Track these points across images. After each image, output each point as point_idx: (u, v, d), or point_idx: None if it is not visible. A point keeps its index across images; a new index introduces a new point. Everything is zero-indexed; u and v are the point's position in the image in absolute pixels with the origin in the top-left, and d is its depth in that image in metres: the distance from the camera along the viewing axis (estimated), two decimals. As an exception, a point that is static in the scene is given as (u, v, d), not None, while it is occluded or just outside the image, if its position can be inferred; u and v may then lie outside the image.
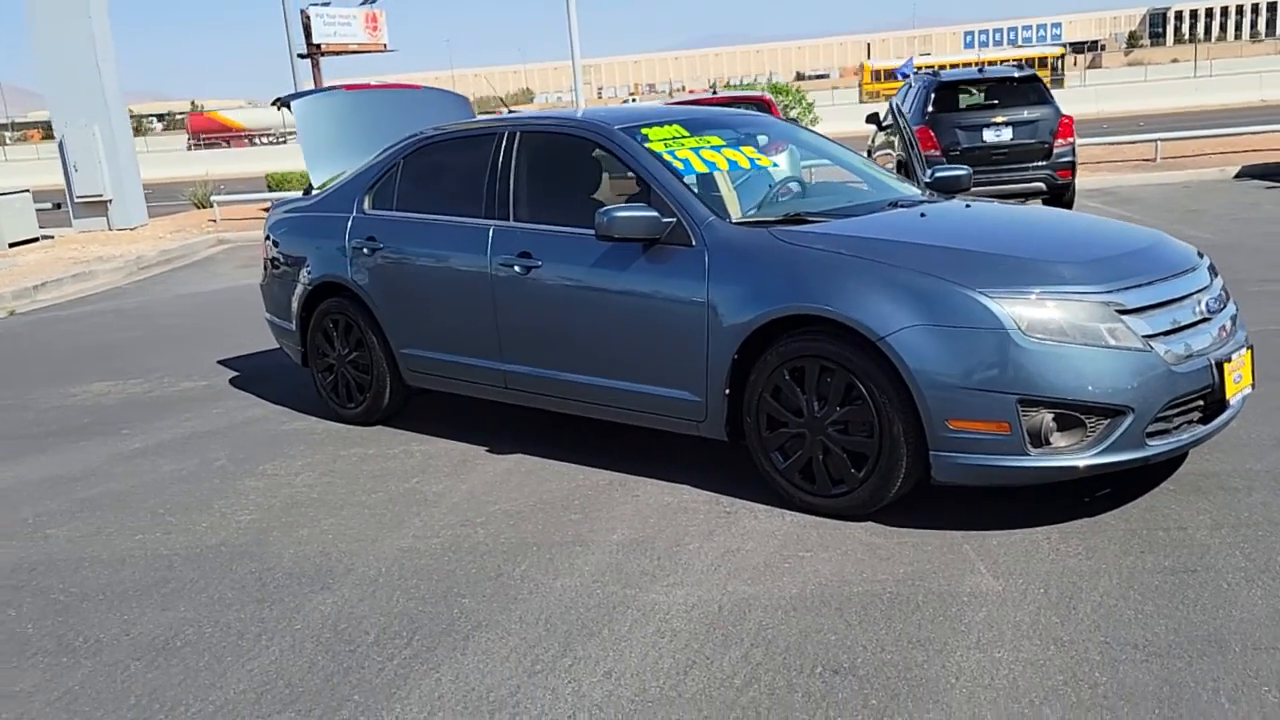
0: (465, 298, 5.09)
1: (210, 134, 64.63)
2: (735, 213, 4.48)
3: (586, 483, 4.64)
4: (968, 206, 4.83)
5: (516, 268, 4.84)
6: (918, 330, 3.70)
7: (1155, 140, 17.38)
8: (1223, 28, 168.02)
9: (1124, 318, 3.68)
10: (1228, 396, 3.87)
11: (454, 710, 2.90)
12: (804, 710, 2.78)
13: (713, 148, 4.82)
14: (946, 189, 5.28)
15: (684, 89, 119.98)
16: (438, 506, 4.49)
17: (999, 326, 3.62)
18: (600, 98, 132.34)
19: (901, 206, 4.71)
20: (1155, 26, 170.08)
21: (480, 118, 5.57)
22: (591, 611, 3.43)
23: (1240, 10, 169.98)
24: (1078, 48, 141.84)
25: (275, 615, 3.57)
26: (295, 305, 5.99)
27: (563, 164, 5.13)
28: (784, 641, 3.15)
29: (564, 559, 3.86)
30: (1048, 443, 3.65)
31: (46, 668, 3.31)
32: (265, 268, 6.41)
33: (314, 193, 6.21)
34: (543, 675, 3.06)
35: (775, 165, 5.02)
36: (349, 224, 5.67)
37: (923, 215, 4.53)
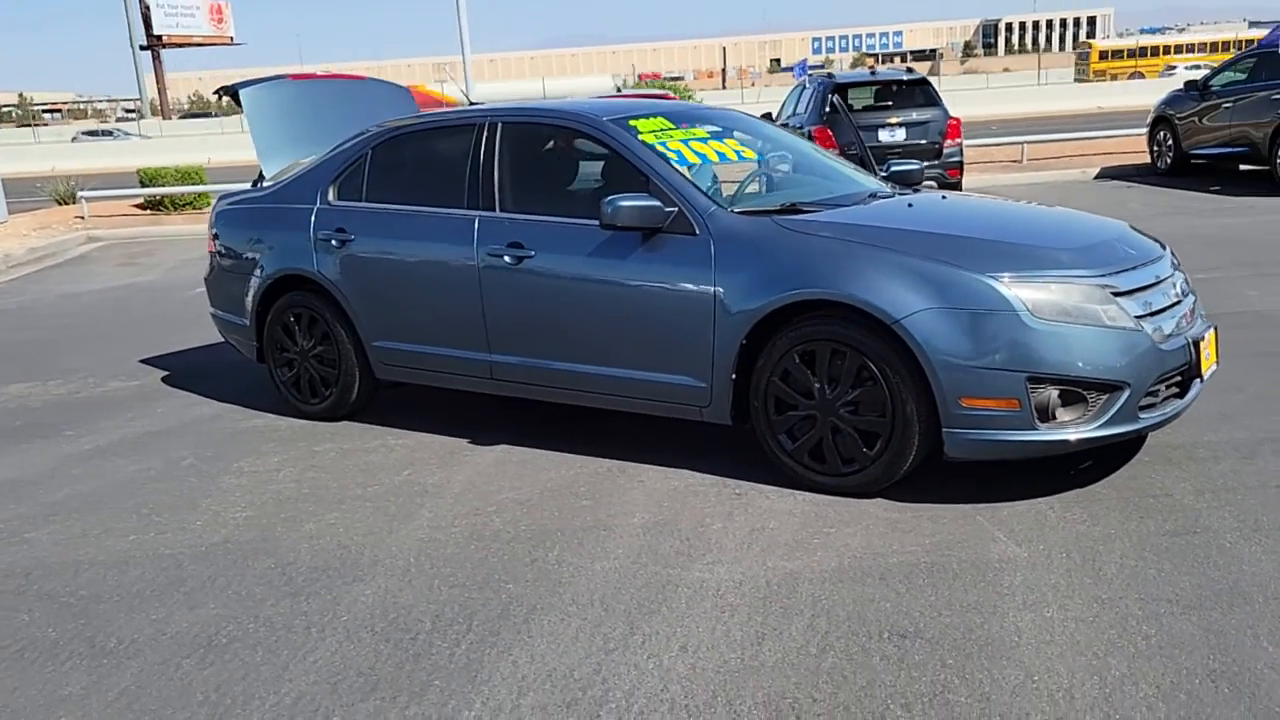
0: (447, 289, 5.06)
1: (427, 109, 64.99)
2: (731, 203, 4.59)
3: (585, 470, 4.68)
4: (943, 198, 5.07)
5: (507, 258, 4.84)
6: (931, 313, 3.88)
7: (1021, 143, 18.30)
8: (1048, 39, 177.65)
9: (1117, 300, 3.95)
10: (1202, 372, 4.19)
11: (542, 689, 2.93)
12: (886, 672, 2.92)
13: (699, 139, 4.93)
14: (903, 182, 5.53)
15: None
16: (441, 497, 4.47)
17: (1009, 309, 3.84)
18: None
19: (880, 198, 4.91)
20: (988, 37, 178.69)
21: (454, 109, 5.53)
22: (642, 591, 3.49)
23: (1064, 23, 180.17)
24: (917, 55, 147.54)
25: (316, 608, 3.51)
26: (250, 300, 5.83)
27: (551, 155, 5.15)
28: (842, 611, 3.28)
29: (593, 543, 3.90)
30: (1054, 417, 3.88)
31: (89, 670, 3.18)
32: (212, 261, 6.21)
33: (265, 184, 6.05)
34: (619, 653, 3.10)
35: (761, 158, 5.16)
36: (313, 215, 5.55)
37: (910, 205, 4.74)
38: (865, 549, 3.71)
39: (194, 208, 17.57)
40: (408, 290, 5.21)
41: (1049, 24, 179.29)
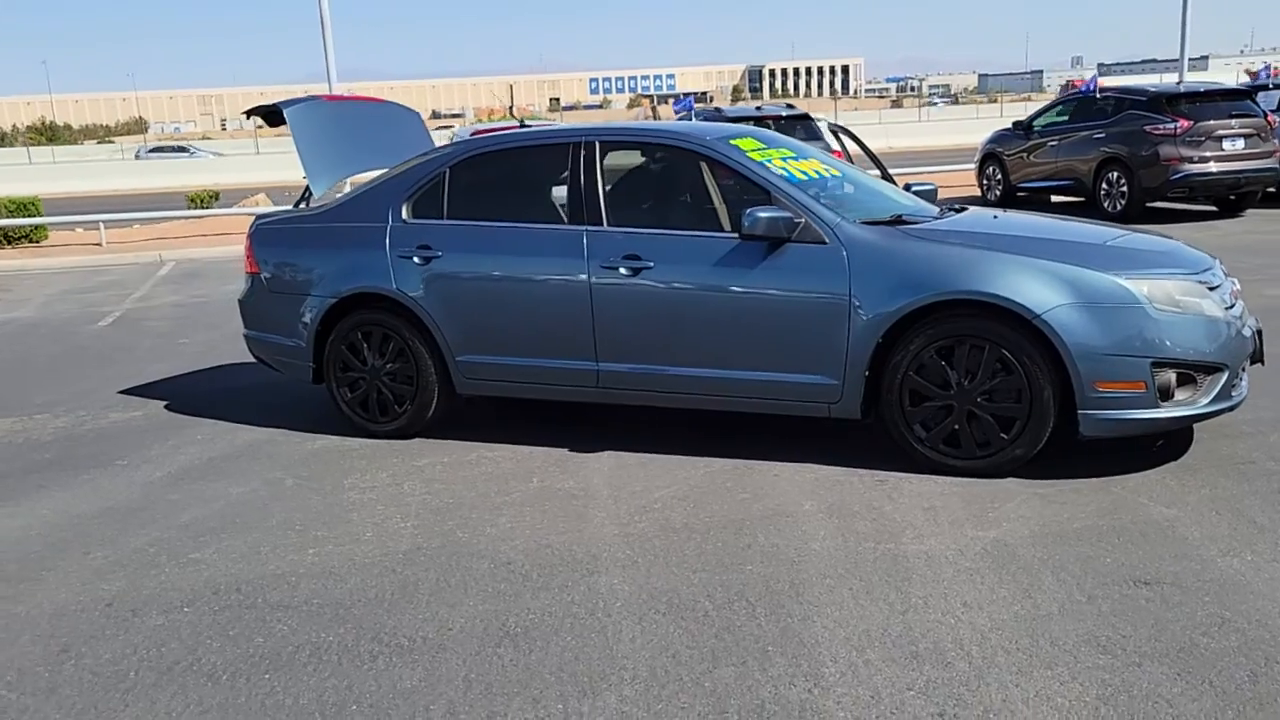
0: (553, 301, 5.20)
1: None
2: (844, 216, 4.96)
3: (714, 469, 4.91)
4: (1003, 212, 5.63)
5: (623, 269, 5.04)
6: (1068, 308, 4.39)
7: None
8: (807, 85, 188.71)
9: (1210, 294, 4.58)
10: (1263, 358, 4.87)
11: (876, 647, 3.19)
12: (1163, 612, 3.33)
13: (792, 158, 5.29)
14: (926, 200, 6.06)
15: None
16: (594, 499, 4.61)
17: (1135, 302, 4.39)
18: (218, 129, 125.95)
19: (958, 212, 5.42)
20: (753, 81, 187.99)
21: (537, 128, 5.66)
22: (877, 563, 3.79)
23: (822, 70, 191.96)
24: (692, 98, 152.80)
25: (579, 598, 3.62)
26: (310, 320, 5.74)
27: (656, 173, 5.40)
28: (1074, 567, 3.68)
29: (788, 528, 4.16)
30: (1172, 397, 4.45)
31: (407, 664, 3.20)
32: (254, 283, 6.05)
33: (315, 203, 5.99)
34: (914, 613, 3.40)
35: (843, 176, 5.56)
36: (387, 233, 5.56)
37: (996, 218, 5.26)
38: (1041, 518, 4.14)
39: (30, 240, 16.40)
40: (506, 304, 5.31)
41: (808, 71, 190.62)
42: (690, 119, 14.34)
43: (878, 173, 6.53)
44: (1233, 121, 14.38)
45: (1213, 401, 4.51)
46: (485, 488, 4.83)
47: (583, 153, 5.29)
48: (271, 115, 6.18)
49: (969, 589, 3.55)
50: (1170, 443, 4.95)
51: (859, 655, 3.15)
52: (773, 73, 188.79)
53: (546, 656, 3.22)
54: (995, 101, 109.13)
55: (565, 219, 5.26)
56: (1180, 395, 4.47)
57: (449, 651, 3.28)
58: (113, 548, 4.30)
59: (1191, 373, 4.47)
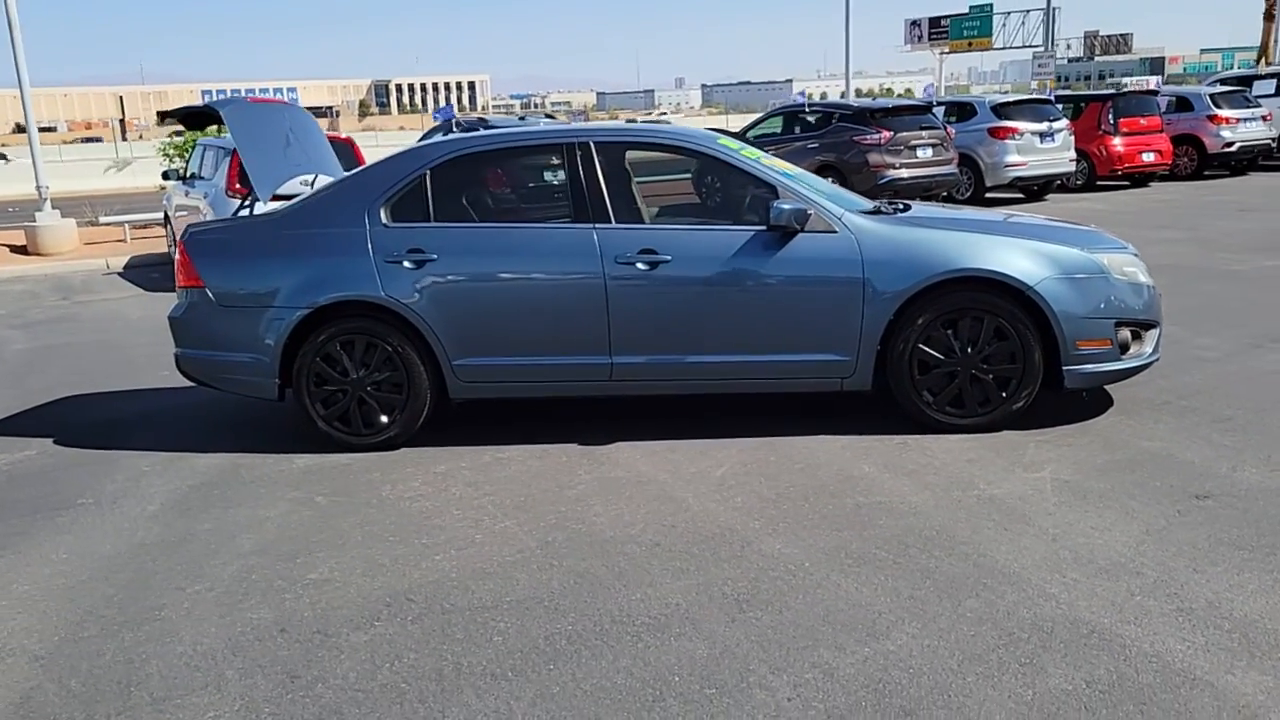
0: (566, 298, 5.27)
1: None
2: (845, 207, 5.42)
3: (744, 449, 5.18)
4: (947, 205, 6.32)
5: (640, 265, 5.21)
6: (1053, 280, 5.11)
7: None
8: (435, 100, 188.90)
9: (1139, 264, 5.48)
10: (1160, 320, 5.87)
11: (1075, 565, 3.66)
12: (1243, 514, 4.05)
13: (766, 157, 5.69)
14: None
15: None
16: (662, 483, 4.76)
17: (1101, 273, 5.19)
18: None
19: (902, 209, 6.03)
20: (380, 97, 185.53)
21: (520, 128, 5.64)
22: (983, 507, 4.28)
23: (449, 86, 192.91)
24: (314, 111, 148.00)
25: (763, 564, 3.83)
26: (276, 334, 5.39)
27: (654, 171, 5.58)
28: (1141, 492, 4.35)
29: (875, 488, 4.56)
30: (1128, 350, 5.30)
31: (682, 638, 3.30)
32: (194, 298, 5.58)
33: (268, 208, 5.63)
34: (1066, 539, 3.91)
35: (801, 173, 5.99)
36: (368, 238, 5.36)
37: (944, 206, 5.92)
38: (1066, 458, 4.81)
39: None
40: (512, 305, 5.30)
41: (435, 86, 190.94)
42: (452, 129, 14.27)
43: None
44: (922, 133, 16.39)
45: (1151, 354, 5.41)
46: (541, 485, 4.83)
47: (579, 153, 5.39)
48: (190, 118, 5.73)
49: (1081, 517, 4.12)
50: (1094, 397, 5.83)
51: (1063, 576, 3.61)
52: (399, 87, 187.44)
53: (800, 614, 3.43)
54: (616, 117, 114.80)
55: (570, 218, 5.34)
56: (1133, 349, 5.33)
57: (705, 623, 3.40)
58: (205, 580, 3.94)
59: (1139, 329, 5.35)
